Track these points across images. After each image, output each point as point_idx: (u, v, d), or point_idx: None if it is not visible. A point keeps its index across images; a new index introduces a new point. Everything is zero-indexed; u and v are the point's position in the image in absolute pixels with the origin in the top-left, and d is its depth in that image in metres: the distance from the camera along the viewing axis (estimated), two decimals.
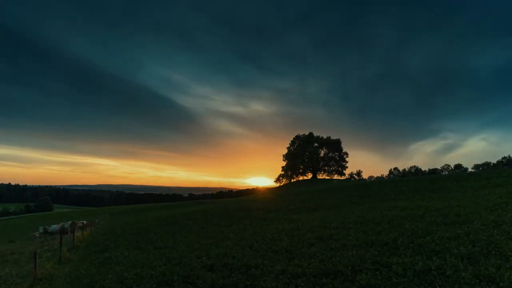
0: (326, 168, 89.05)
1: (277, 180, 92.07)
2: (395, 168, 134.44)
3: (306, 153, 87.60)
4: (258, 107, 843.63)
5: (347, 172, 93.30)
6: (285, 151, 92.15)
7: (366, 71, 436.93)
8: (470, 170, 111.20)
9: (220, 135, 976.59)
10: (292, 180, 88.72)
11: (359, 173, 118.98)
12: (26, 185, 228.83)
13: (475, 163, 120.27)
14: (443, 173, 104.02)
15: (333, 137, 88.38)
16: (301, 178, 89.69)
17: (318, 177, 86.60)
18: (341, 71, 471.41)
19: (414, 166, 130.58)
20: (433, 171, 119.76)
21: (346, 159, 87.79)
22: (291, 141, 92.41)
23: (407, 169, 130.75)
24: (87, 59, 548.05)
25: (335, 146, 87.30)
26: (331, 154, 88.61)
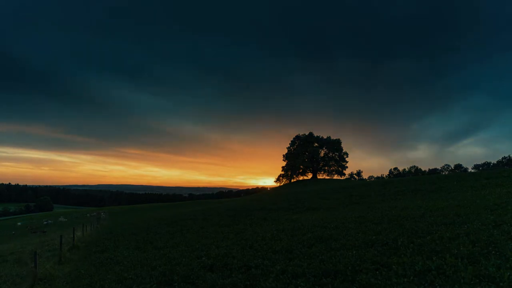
0: (326, 168, 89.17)
1: (277, 180, 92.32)
2: (395, 168, 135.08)
3: (306, 153, 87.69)
4: None
5: (347, 172, 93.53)
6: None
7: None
8: (470, 170, 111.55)
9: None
10: (292, 180, 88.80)
11: (359, 173, 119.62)
12: (26, 185, 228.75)
13: (475, 163, 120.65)
14: (443, 173, 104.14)
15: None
16: (301, 178, 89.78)
17: (318, 177, 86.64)
18: None
19: (414, 166, 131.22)
20: (433, 171, 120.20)
21: (346, 159, 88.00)
22: (291, 141, 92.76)
23: (407, 169, 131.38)
24: None
25: (335, 146, 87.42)
26: (331, 154, 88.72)
